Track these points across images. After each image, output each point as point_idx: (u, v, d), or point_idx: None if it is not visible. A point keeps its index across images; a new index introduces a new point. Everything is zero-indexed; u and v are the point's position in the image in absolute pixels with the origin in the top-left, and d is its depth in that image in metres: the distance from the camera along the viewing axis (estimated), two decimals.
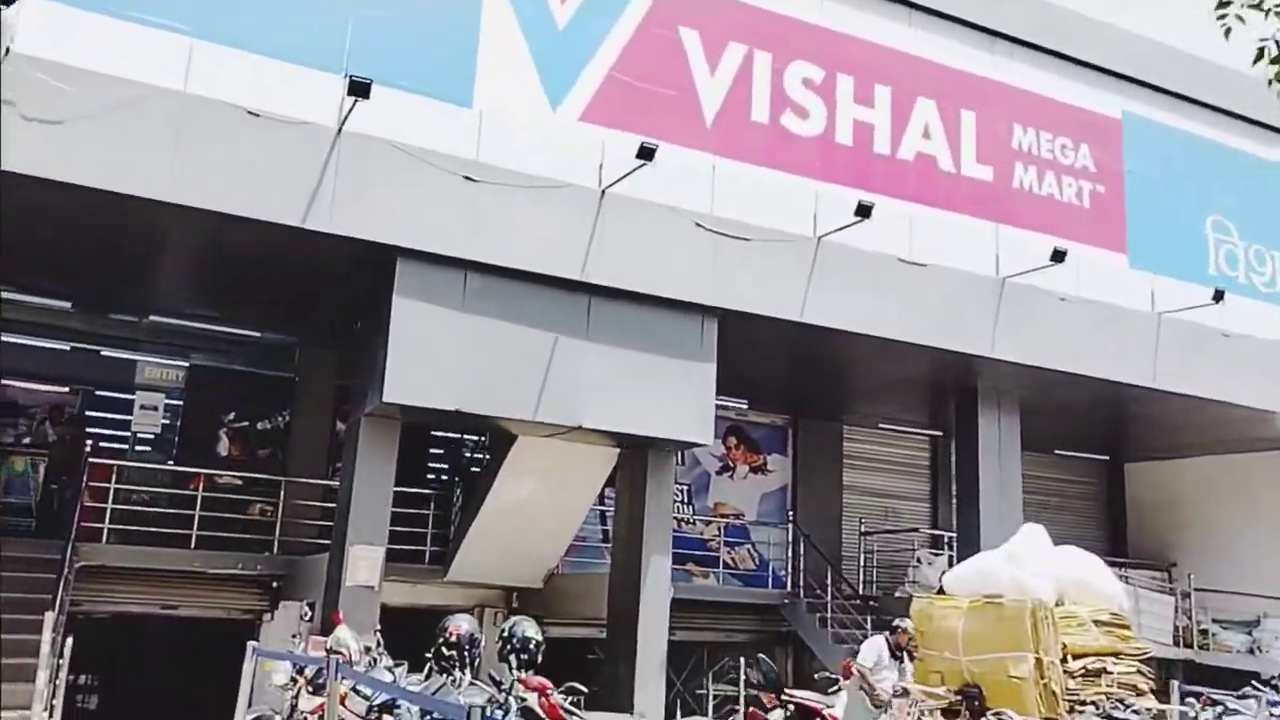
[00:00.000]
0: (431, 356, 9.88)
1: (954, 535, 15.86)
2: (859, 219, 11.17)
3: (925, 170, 12.79)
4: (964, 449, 14.14)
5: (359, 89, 8.84)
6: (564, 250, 10.37)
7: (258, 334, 13.92)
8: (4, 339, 13.83)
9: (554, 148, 10.50)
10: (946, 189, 12.89)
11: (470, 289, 10.06)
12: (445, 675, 6.28)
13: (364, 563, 10.00)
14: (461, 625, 6.38)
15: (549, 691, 5.45)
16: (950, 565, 14.42)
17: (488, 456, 13.24)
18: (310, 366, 14.28)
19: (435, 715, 5.09)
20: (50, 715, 9.07)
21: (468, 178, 9.96)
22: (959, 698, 7.65)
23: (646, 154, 9.90)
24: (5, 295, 12.49)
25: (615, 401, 10.63)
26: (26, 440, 13.16)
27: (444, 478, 14.80)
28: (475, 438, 16.03)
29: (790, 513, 16.08)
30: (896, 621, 9.61)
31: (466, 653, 6.28)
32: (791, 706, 10.03)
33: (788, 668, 15.47)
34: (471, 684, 5.53)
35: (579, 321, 10.50)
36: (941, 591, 8.90)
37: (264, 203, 9.13)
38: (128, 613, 12.80)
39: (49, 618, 9.27)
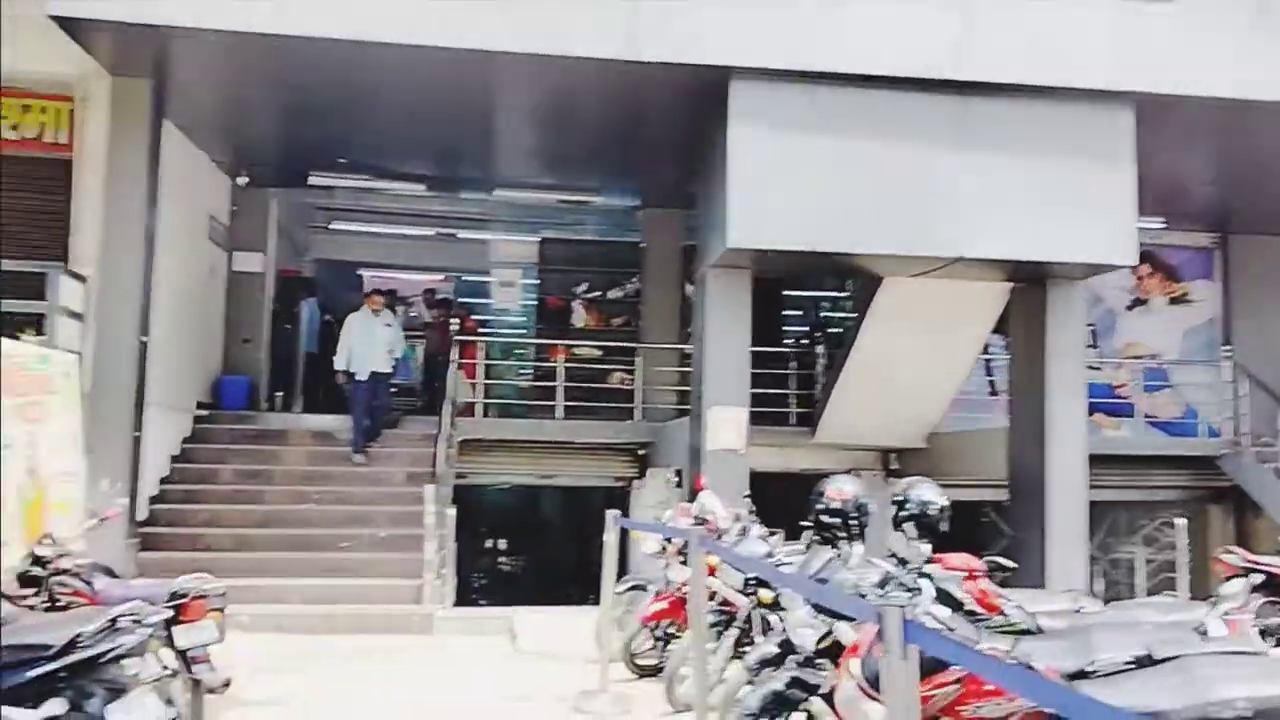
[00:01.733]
0: (778, 191, 8.66)
1: None
2: None
3: None
4: None
5: None
6: (927, 44, 8.61)
7: (601, 199, 13.47)
8: (377, 230, 14.59)
9: None
10: None
11: (816, 106, 8.64)
12: (829, 546, 5.22)
13: (725, 424, 9.22)
14: (845, 488, 5.27)
15: (977, 574, 4.21)
16: None
17: (850, 314, 11.93)
18: (656, 229, 13.70)
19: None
20: (443, 583, 9.23)
21: None
22: None
23: None
24: (368, 185, 12.92)
25: (1003, 224, 8.84)
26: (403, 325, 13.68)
27: (803, 342, 13.73)
28: (834, 293, 14.82)
29: (1226, 349, 13.29)
30: None
31: (855, 521, 5.18)
32: (1262, 575, 8.11)
33: (1229, 528, 13.09)
34: (865, 561, 4.42)
35: (952, 130, 8.75)
36: None
37: (578, 36, 8.24)
38: (517, 483, 13.18)
39: (429, 490, 9.41)
